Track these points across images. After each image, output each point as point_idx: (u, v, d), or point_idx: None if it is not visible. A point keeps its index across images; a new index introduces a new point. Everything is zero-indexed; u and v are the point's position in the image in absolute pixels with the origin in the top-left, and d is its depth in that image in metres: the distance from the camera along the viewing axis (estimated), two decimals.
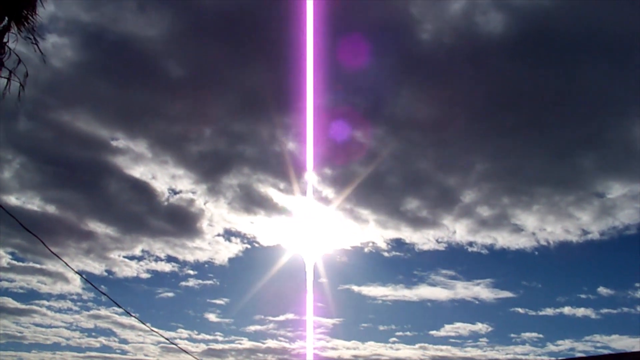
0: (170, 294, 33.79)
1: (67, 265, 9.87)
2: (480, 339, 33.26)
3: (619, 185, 33.67)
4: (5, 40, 8.25)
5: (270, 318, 33.75)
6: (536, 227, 34.48)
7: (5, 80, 8.38)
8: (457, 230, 35.11)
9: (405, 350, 32.84)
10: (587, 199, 34.05)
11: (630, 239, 32.94)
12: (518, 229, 34.64)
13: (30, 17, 8.49)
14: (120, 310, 31.52)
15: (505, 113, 35.08)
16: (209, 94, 32.46)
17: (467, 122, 35.34)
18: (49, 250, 10.11)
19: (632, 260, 33.78)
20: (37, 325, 31.41)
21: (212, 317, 34.14)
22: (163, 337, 19.43)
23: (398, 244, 35.14)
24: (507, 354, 32.42)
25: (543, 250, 34.30)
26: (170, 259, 33.41)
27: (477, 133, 34.95)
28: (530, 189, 35.24)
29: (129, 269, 32.79)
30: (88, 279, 32.59)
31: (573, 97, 33.19)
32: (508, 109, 34.59)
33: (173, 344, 17.14)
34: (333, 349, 32.94)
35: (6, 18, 8.29)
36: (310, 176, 31.14)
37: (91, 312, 32.31)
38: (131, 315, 13.44)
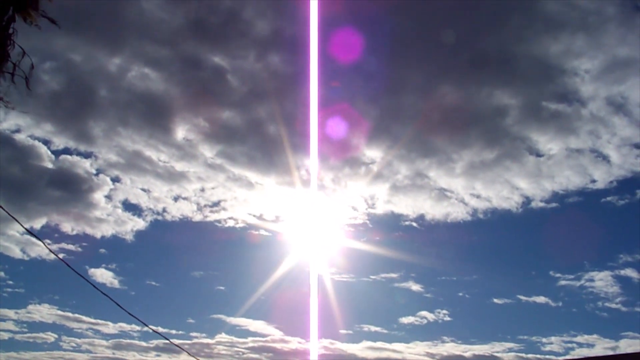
0: (96, 278, 30.88)
1: (79, 274, 9.36)
2: (435, 333, 30.07)
3: (550, 138, 29.52)
4: (10, 31, 7.93)
5: (218, 307, 31.85)
6: (465, 193, 29.85)
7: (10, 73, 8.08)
8: (373, 200, 30.47)
9: (352, 345, 29.81)
10: (517, 157, 29.41)
11: (575, 207, 28.98)
12: (444, 196, 29.89)
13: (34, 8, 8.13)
14: (57, 298, 30.41)
15: (389, 20, 27.61)
16: None
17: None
18: (54, 254, 9.61)
19: (581, 234, 29.31)
20: None
21: (154, 306, 32.07)
22: (179, 347, 18.78)
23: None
24: (468, 351, 29.38)
25: (480, 224, 30.18)
26: (77, 237, 30.21)
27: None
28: (443, 142, 29.77)
29: (39, 249, 29.88)
30: (5, 262, 30.16)
31: None
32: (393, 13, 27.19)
33: (176, 345, 16.60)
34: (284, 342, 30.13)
35: (11, 9, 7.96)
36: (314, 163, 28.57)
37: (31, 306, 30.23)
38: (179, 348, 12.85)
